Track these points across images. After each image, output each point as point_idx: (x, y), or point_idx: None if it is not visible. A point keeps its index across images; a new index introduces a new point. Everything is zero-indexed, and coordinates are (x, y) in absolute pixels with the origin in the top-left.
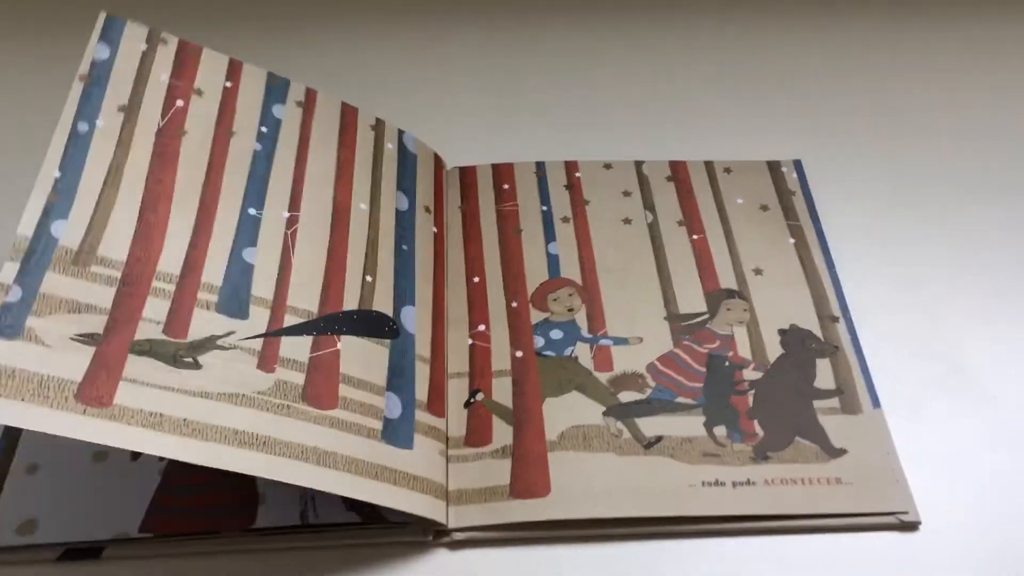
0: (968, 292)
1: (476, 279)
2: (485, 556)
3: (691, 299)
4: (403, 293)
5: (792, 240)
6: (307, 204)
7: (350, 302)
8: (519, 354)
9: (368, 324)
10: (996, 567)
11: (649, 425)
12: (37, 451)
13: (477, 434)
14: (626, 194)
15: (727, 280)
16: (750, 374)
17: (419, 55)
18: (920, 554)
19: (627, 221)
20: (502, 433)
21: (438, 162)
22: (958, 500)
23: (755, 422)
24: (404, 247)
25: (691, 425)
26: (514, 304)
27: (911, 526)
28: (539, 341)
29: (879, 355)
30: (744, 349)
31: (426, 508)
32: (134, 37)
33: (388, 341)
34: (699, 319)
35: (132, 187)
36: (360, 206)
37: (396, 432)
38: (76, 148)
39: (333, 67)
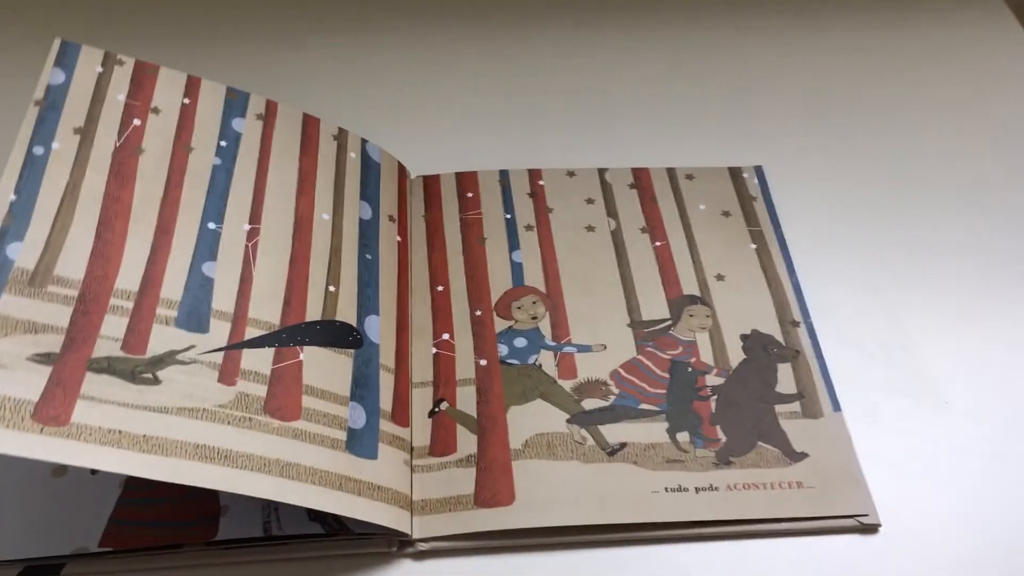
0: (927, 297)
1: (440, 288)
2: (450, 566)
3: (654, 306)
4: (367, 302)
5: (753, 246)
6: (268, 216)
7: (313, 313)
8: (483, 363)
9: (331, 334)
10: (954, 567)
11: (613, 432)
12: None
13: (441, 443)
14: (589, 202)
15: (689, 286)
16: (712, 380)
17: (383, 65)
18: (880, 556)
19: (590, 228)
20: (466, 442)
21: (402, 171)
22: (917, 503)
23: (718, 427)
24: (368, 256)
25: (654, 431)
26: (478, 312)
27: (871, 528)
28: (503, 349)
29: (840, 359)
30: (707, 355)
31: (391, 518)
32: (89, 60)
33: (352, 351)
34: (662, 325)
35: (89, 207)
36: (323, 216)
37: (360, 442)
38: (31, 171)
39: (296, 78)
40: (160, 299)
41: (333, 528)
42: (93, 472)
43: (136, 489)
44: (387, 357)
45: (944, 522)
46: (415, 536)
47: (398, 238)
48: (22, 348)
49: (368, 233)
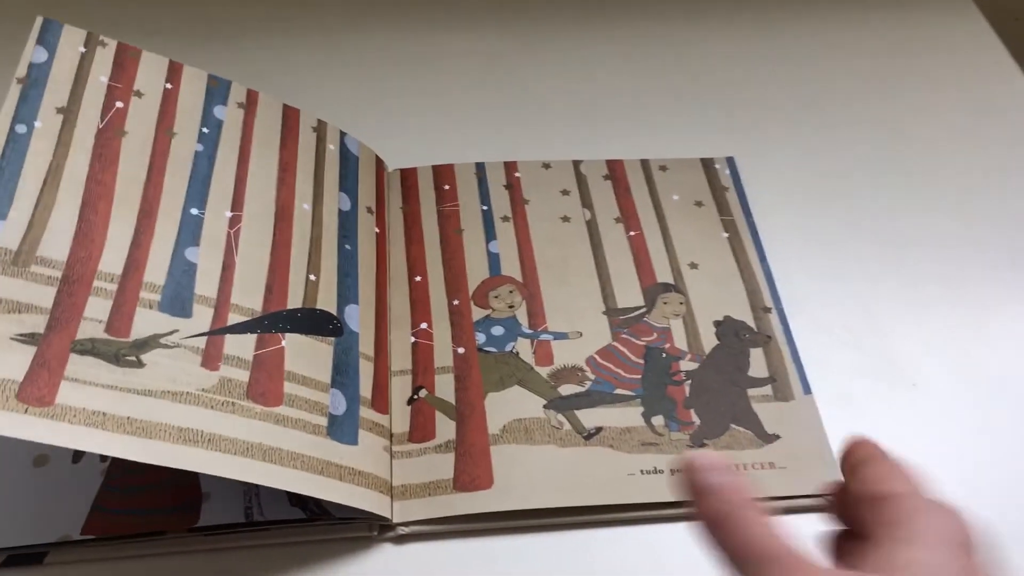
0: (894, 283)
1: (418, 278)
2: (430, 549)
3: (629, 294)
4: (347, 292)
5: (726, 235)
6: (250, 204)
7: (294, 300)
8: (461, 351)
9: (312, 322)
10: None
11: (589, 417)
12: None
13: (420, 430)
14: (564, 193)
15: (663, 274)
16: (686, 365)
17: (360, 58)
18: None
19: (566, 219)
20: (445, 428)
21: (379, 164)
22: None
23: (692, 411)
24: (347, 247)
25: (630, 416)
26: (456, 302)
27: None
28: (481, 338)
29: (810, 344)
30: (680, 341)
31: (371, 503)
32: (72, 40)
33: (332, 339)
34: (636, 313)
35: (72, 187)
36: (303, 206)
37: (341, 428)
38: (14, 149)
39: (275, 69)
40: (143, 283)
41: (314, 513)
42: (75, 460)
43: (118, 477)
44: (367, 346)
45: None
46: (395, 520)
47: (376, 229)
48: (6, 327)
49: (347, 224)
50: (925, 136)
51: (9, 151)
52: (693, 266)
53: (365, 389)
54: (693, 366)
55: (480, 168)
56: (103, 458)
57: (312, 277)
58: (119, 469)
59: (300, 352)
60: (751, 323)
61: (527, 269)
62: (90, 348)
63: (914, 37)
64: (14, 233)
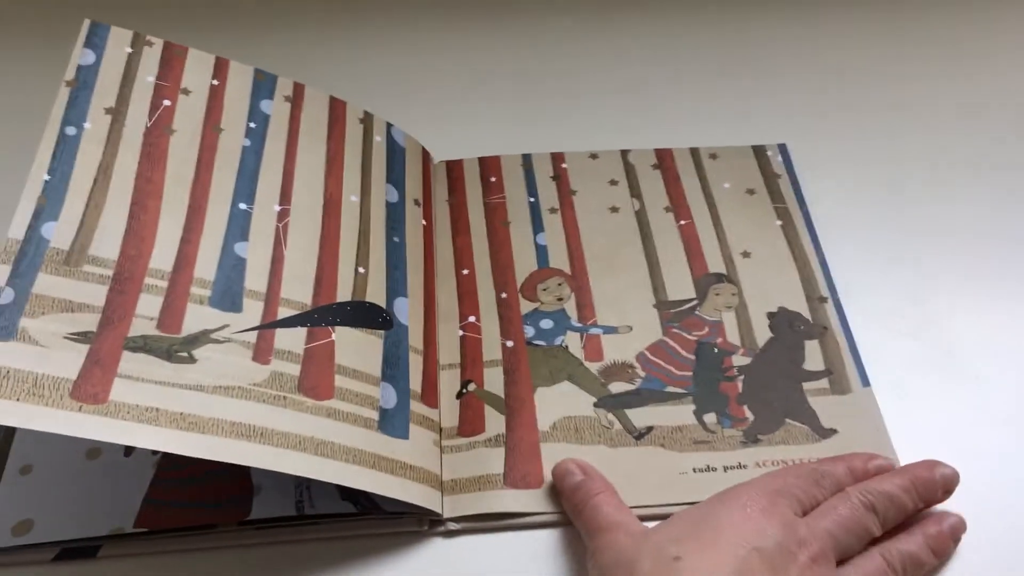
0: (952, 271)
1: (465, 271)
2: (480, 543)
3: (680, 284)
4: (396, 285)
5: (779, 222)
6: (298, 197)
7: (343, 293)
8: (509, 344)
9: (362, 315)
10: (985, 543)
11: (639, 416)
12: (30, 452)
13: (470, 424)
14: (613, 183)
15: (715, 264)
16: (739, 360)
17: (406, 51)
18: None
19: (614, 210)
20: (495, 422)
21: (425, 156)
22: None
23: (745, 407)
24: (395, 239)
25: (681, 414)
26: (503, 295)
27: None
28: (529, 331)
29: (867, 335)
30: (733, 334)
31: (422, 497)
32: (119, 41)
33: (382, 332)
34: (688, 305)
35: (121, 187)
36: (351, 198)
37: (392, 422)
38: (64, 151)
39: (321, 62)
40: (194, 279)
41: (365, 507)
42: (127, 453)
43: (170, 469)
44: (416, 339)
45: (976, 496)
46: (445, 515)
47: (423, 222)
48: (59, 327)
49: (395, 216)
50: (984, 122)
51: (60, 153)
52: (746, 255)
53: (415, 383)
54: (746, 361)
55: (527, 159)
56: (155, 451)
57: (361, 270)
58: (170, 462)
59: (350, 345)
60: (806, 313)
61: (576, 261)
62: (142, 345)
63: (970, 20)
64: (66, 234)
